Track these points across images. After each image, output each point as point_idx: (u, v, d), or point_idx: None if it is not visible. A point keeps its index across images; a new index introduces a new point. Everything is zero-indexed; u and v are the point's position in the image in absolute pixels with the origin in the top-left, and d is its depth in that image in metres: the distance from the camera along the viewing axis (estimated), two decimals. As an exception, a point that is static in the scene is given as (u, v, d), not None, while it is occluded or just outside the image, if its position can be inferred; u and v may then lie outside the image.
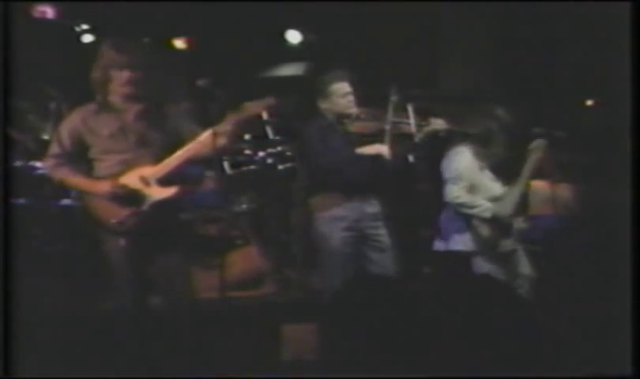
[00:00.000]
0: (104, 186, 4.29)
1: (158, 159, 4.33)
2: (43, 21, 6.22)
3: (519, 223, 5.29)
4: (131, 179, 4.31)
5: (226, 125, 4.33)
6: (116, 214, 4.27)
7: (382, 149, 4.93)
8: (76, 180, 4.39)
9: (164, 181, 4.32)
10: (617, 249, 4.10)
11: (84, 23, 6.64)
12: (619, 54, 4.08)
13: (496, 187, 5.23)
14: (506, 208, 5.19)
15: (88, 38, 6.76)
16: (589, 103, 6.13)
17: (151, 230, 4.30)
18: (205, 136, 4.30)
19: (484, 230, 5.21)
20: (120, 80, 4.32)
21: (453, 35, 7.40)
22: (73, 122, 4.40)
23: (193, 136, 4.33)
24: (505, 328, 4.49)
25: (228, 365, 4.35)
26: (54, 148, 4.43)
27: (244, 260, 5.97)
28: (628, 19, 4.08)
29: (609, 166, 4.63)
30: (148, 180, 4.30)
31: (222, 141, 4.30)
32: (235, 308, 4.72)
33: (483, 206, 5.17)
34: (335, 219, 5.00)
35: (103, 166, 4.36)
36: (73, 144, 4.38)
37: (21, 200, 5.26)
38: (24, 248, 4.37)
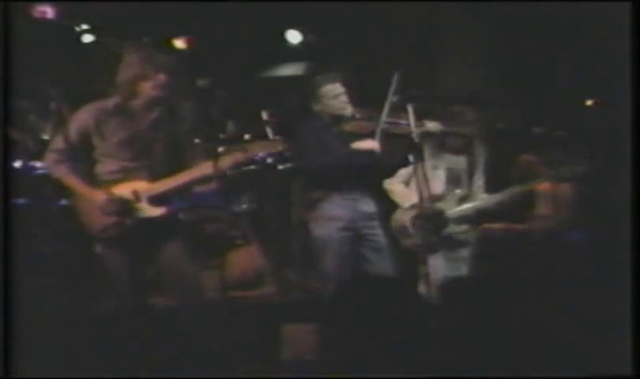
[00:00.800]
0: (98, 196, 4.29)
1: (155, 176, 4.33)
2: (43, 21, 6.21)
3: (455, 228, 5.34)
4: (124, 190, 4.30)
5: (229, 161, 4.33)
6: (101, 221, 4.28)
7: (374, 144, 4.93)
8: (73, 181, 4.37)
9: (155, 201, 4.32)
10: (617, 249, 4.09)
11: (84, 23, 6.63)
12: (619, 54, 4.08)
13: (440, 187, 5.28)
14: (450, 209, 5.30)
15: (88, 38, 6.76)
16: (589, 103, 6.12)
17: (141, 236, 4.32)
18: (207, 167, 4.28)
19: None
20: (153, 83, 4.31)
21: (453, 35, 7.40)
22: (84, 120, 4.37)
23: (195, 159, 4.34)
24: (504, 328, 4.49)
25: (228, 365, 4.35)
26: (59, 143, 4.41)
27: (244, 260, 5.97)
28: (628, 19, 4.07)
29: (609, 166, 4.63)
30: (140, 196, 4.30)
31: (220, 173, 4.29)
32: (235, 308, 4.72)
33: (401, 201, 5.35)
34: (331, 219, 5.01)
35: (103, 170, 4.36)
36: (80, 142, 4.37)
37: (21, 200, 5.25)
38: (24, 248, 4.37)
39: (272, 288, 5.94)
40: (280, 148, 4.45)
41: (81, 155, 4.38)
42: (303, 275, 5.96)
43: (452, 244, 5.34)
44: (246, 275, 5.90)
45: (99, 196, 4.28)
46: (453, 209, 5.35)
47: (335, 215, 5.00)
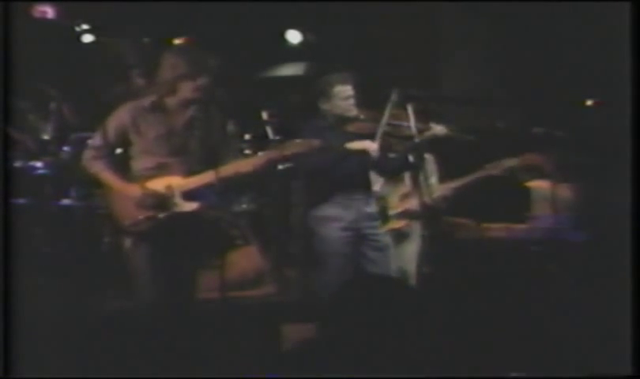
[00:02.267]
0: (134, 191, 4.33)
1: (190, 172, 4.39)
2: (43, 21, 6.21)
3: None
4: (159, 185, 4.35)
5: (262, 159, 4.49)
6: (132, 216, 4.31)
7: (370, 145, 4.93)
8: (109, 177, 4.43)
9: (188, 196, 4.36)
10: (617, 249, 4.09)
11: (84, 23, 6.63)
12: (619, 54, 4.08)
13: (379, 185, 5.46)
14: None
15: (88, 38, 6.76)
16: (589, 103, 6.12)
17: (160, 232, 4.35)
18: (240, 164, 4.43)
19: None
20: (194, 85, 4.38)
21: (453, 35, 7.40)
22: (121, 118, 4.46)
23: (228, 157, 4.43)
24: (504, 328, 4.49)
25: (228, 365, 4.35)
26: (97, 140, 4.49)
27: (244, 260, 5.96)
28: (628, 19, 4.07)
29: (609, 166, 4.63)
30: (174, 191, 4.35)
31: (254, 171, 4.43)
32: (235, 308, 4.72)
33: None
34: (333, 219, 5.01)
35: (139, 166, 4.43)
36: (117, 139, 4.45)
37: (21, 200, 5.25)
38: (24, 248, 4.37)
39: (272, 288, 5.93)
40: (314, 148, 4.51)
41: (118, 152, 4.46)
42: (303, 275, 5.96)
43: (398, 239, 5.39)
44: (246, 275, 5.90)
45: (136, 190, 4.33)
46: (398, 205, 5.42)
47: (337, 215, 5.00)
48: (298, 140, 4.54)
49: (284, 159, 4.63)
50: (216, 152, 4.42)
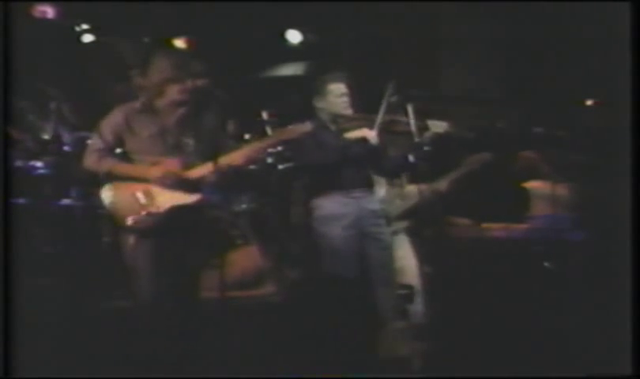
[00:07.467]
0: (156, 171, 4.37)
1: (187, 166, 4.41)
2: (43, 21, 6.21)
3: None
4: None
5: (261, 144, 4.54)
6: (133, 213, 4.33)
7: (369, 133, 4.92)
8: (124, 167, 4.45)
9: (190, 187, 4.39)
10: (617, 249, 4.10)
11: (84, 23, 6.64)
12: (619, 54, 4.08)
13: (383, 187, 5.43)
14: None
15: (88, 38, 6.77)
16: (589, 103, 6.12)
17: (162, 229, 4.37)
18: (233, 156, 4.41)
19: None
20: (180, 87, 4.43)
21: (453, 35, 7.41)
22: (115, 120, 4.49)
23: (225, 148, 4.43)
24: (504, 329, 4.50)
25: (228, 365, 4.35)
26: (97, 144, 4.50)
27: (244, 260, 5.96)
28: (628, 19, 4.08)
29: (609, 166, 4.63)
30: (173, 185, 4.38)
31: (252, 157, 4.50)
32: (235, 308, 4.72)
33: None
34: (335, 217, 4.99)
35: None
36: (115, 141, 4.48)
37: (21, 200, 5.26)
38: (24, 248, 4.37)
39: (272, 288, 5.94)
40: (309, 129, 4.52)
41: (117, 153, 4.49)
42: (303, 275, 5.96)
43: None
44: (246, 275, 5.90)
45: (155, 171, 4.37)
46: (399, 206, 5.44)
47: (338, 213, 4.98)
48: (290, 126, 4.55)
49: (278, 145, 4.63)
50: (211, 149, 4.44)
